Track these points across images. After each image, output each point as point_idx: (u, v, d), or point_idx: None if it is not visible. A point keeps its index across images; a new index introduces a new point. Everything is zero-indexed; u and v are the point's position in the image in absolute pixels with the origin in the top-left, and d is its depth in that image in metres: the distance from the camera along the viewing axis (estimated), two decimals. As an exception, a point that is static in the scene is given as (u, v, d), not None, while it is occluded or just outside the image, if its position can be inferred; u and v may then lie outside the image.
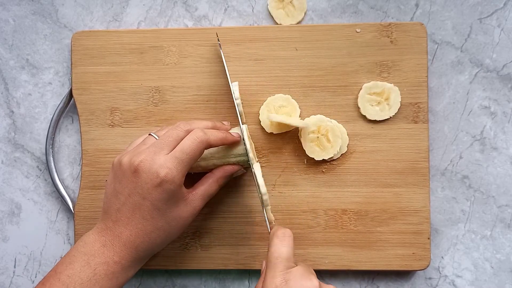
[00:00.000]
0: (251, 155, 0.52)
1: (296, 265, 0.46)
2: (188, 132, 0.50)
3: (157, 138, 0.51)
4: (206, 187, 0.52)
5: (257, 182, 0.51)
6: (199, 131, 0.50)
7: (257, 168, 0.52)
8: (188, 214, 0.50)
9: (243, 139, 0.53)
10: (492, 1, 0.60)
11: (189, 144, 0.49)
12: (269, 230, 0.51)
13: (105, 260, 0.47)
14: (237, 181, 0.59)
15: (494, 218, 0.60)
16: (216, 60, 0.59)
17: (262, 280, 0.46)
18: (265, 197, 0.50)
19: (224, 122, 0.57)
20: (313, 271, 0.47)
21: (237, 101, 0.55)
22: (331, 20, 0.61)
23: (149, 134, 0.52)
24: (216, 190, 0.53)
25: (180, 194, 0.49)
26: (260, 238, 0.59)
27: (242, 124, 0.54)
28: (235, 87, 0.55)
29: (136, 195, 0.48)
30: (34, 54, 0.63)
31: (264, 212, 0.51)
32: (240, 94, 0.56)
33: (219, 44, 0.57)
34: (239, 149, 0.54)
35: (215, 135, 0.51)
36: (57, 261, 0.62)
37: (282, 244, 0.47)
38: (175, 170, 0.47)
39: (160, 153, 0.48)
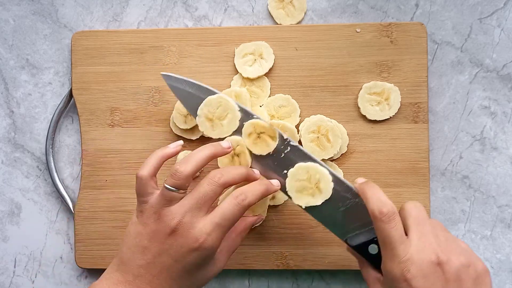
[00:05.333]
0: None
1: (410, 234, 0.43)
2: (223, 186, 0.47)
3: (175, 190, 0.46)
4: (230, 243, 0.50)
5: None
6: (240, 194, 0.47)
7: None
8: (212, 274, 0.49)
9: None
10: (492, 1, 0.60)
11: (229, 209, 0.46)
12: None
13: None
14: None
15: (494, 218, 0.60)
16: (216, 60, 0.59)
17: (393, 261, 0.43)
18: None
19: (254, 170, 0.51)
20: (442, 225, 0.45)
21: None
22: (331, 20, 0.61)
23: (164, 187, 0.47)
24: (239, 244, 0.51)
25: (211, 259, 0.48)
26: (260, 238, 0.59)
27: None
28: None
29: (166, 256, 0.46)
30: (34, 54, 0.63)
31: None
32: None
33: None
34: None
35: (255, 195, 0.47)
36: (57, 261, 0.62)
37: (390, 227, 0.43)
38: (214, 236, 0.45)
39: (198, 215, 0.46)
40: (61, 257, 0.62)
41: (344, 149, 0.58)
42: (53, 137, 0.62)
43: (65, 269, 0.62)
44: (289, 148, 0.50)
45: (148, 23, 0.62)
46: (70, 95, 0.61)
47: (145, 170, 0.48)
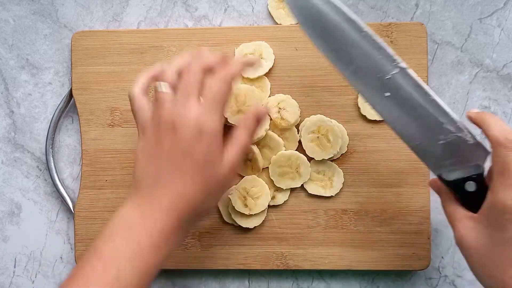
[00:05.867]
0: None
1: None
2: (204, 70, 0.47)
3: (166, 90, 0.47)
4: (235, 134, 0.48)
5: None
6: (225, 73, 0.47)
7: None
8: (224, 171, 0.46)
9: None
10: (492, 1, 0.60)
11: (216, 87, 0.46)
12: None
13: (147, 230, 0.44)
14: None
15: (494, 218, 0.59)
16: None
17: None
18: None
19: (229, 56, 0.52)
20: None
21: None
22: (331, 20, 0.61)
23: (156, 90, 0.47)
24: (246, 138, 0.48)
25: (218, 148, 0.46)
26: (260, 238, 0.59)
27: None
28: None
29: (175, 153, 0.45)
30: (34, 54, 0.63)
31: None
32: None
33: None
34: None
35: (235, 66, 0.48)
36: (57, 261, 0.62)
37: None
38: (213, 116, 0.45)
39: (190, 105, 0.45)
40: (61, 257, 0.62)
41: (344, 149, 0.58)
42: (53, 137, 0.62)
43: (65, 269, 0.62)
44: (397, 69, 0.47)
45: (148, 23, 0.62)
46: (70, 95, 0.61)
47: (138, 87, 0.49)
